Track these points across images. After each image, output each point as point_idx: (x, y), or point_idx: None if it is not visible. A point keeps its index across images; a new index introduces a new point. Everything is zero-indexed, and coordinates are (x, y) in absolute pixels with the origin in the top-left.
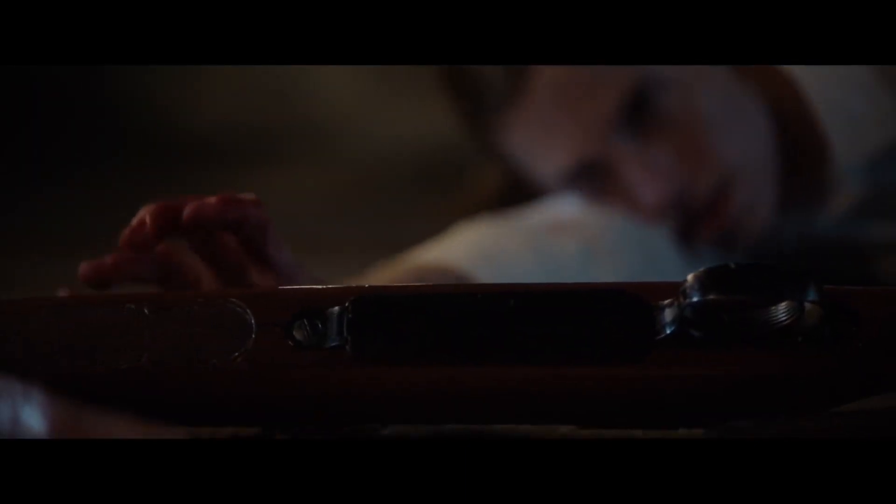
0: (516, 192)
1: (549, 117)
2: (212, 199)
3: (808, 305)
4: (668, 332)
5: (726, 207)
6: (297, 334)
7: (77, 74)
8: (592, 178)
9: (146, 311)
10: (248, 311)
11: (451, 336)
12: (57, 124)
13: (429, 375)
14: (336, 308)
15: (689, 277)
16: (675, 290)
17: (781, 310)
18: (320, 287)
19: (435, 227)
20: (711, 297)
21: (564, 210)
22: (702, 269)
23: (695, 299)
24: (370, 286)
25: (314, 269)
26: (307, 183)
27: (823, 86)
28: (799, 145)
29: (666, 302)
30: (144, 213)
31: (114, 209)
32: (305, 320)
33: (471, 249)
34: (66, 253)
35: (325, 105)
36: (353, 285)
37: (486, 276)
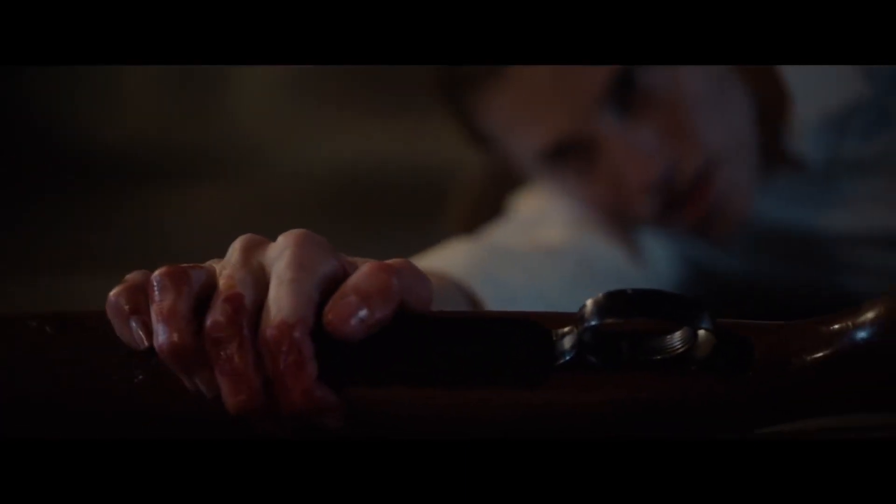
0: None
1: (534, 93)
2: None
3: (701, 334)
4: (566, 357)
5: (708, 191)
6: None
7: None
8: (575, 158)
9: (48, 328)
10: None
11: (362, 358)
12: None
13: (349, 395)
14: None
15: (588, 302)
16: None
17: (676, 338)
18: None
19: (357, 246)
20: (608, 321)
21: (551, 230)
22: (600, 294)
23: (592, 323)
24: None
25: None
26: (230, 200)
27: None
28: (766, 107)
29: (566, 329)
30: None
31: (27, 226)
32: None
33: (471, 265)
34: None
35: (249, 122)
36: None
37: (486, 292)
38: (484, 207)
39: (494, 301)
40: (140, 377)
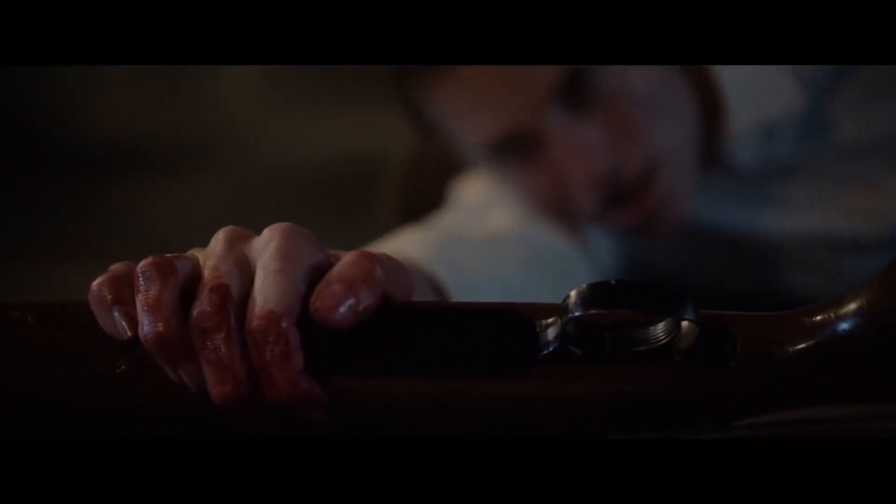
0: (420, 201)
1: (483, 85)
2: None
3: (684, 325)
4: (550, 348)
5: (651, 192)
6: None
7: None
8: (521, 151)
9: (29, 318)
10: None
11: (346, 349)
12: None
13: (332, 386)
14: None
15: (572, 293)
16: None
17: (660, 328)
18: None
19: (334, 236)
20: (591, 311)
21: (500, 217)
22: (583, 285)
23: (576, 314)
24: None
25: None
26: (210, 192)
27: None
28: (706, 116)
29: (550, 320)
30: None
31: (11, 217)
32: None
33: (428, 252)
34: None
35: (225, 115)
36: None
37: (445, 279)
38: (426, 194)
39: (453, 287)
40: (122, 367)
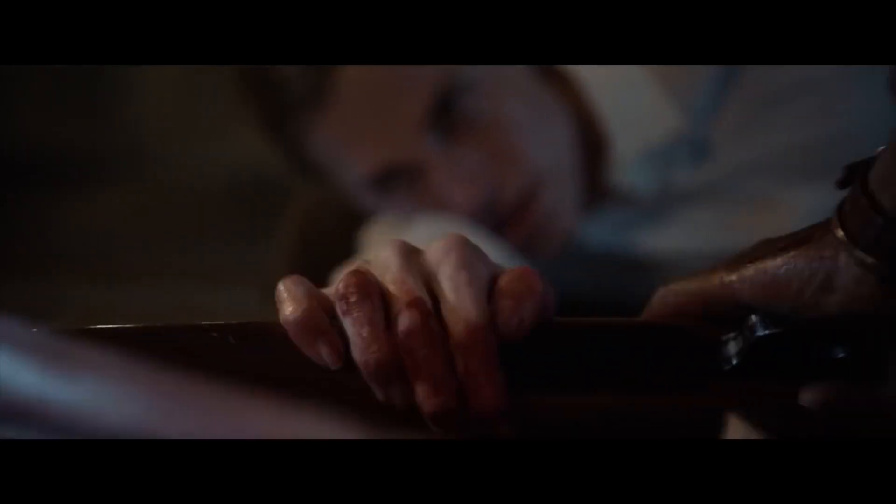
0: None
1: (356, 120)
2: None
3: (873, 345)
4: (733, 363)
5: (532, 212)
6: None
7: None
8: (402, 182)
9: (231, 339)
10: None
11: (532, 367)
12: None
13: (522, 402)
14: None
15: (758, 312)
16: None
17: (839, 347)
18: None
19: (253, 252)
20: (777, 330)
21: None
22: None
23: (763, 333)
24: None
25: (132, 296)
26: (124, 207)
27: (606, 83)
28: (588, 144)
29: (731, 335)
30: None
31: None
32: None
33: None
34: None
35: (143, 127)
36: None
37: None
38: (329, 237)
39: None
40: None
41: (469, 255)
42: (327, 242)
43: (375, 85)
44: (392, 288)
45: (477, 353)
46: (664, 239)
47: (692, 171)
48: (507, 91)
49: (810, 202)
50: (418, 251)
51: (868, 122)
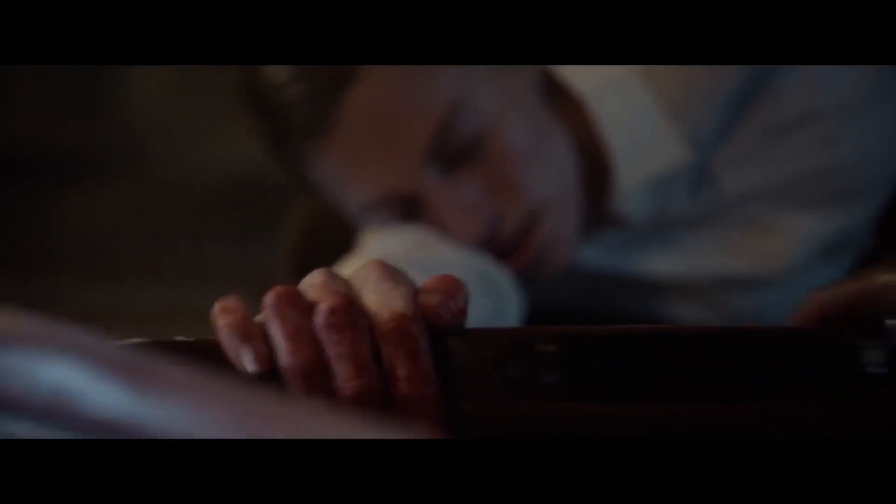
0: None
1: (358, 149)
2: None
3: None
4: (878, 370)
5: (532, 240)
6: (511, 371)
7: None
8: (403, 211)
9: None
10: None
11: (654, 375)
12: None
13: (627, 413)
14: (548, 346)
15: None
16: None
17: None
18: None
19: (252, 253)
20: None
21: (438, 245)
22: None
23: None
24: (578, 327)
25: (129, 296)
26: (122, 206)
27: (612, 109)
28: (590, 169)
29: (872, 342)
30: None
31: None
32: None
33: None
34: None
35: (142, 127)
36: (560, 327)
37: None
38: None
39: None
40: None
41: (391, 270)
42: (329, 242)
43: (379, 114)
44: (313, 293)
45: (402, 341)
46: (661, 261)
47: (692, 198)
48: (511, 120)
49: (809, 227)
50: (341, 276)
51: (869, 152)
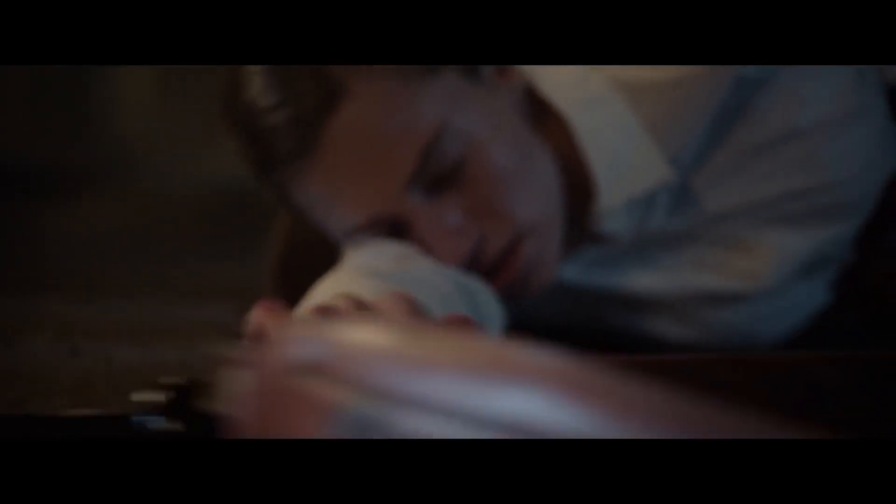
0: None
1: (342, 174)
2: None
3: None
4: None
5: (516, 261)
6: None
7: None
8: (388, 234)
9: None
10: None
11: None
12: None
13: None
14: None
15: None
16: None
17: None
18: None
19: (237, 267)
20: None
21: (417, 261)
22: None
23: None
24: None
25: (113, 310)
26: (107, 220)
27: (595, 128)
28: (572, 187)
29: None
30: None
31: None
32: None
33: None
34: None
35: (126, 141)
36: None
37: None
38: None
39: None
40: None
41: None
42: (314, 256)
43: (364, 138)
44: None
45: None
46: (641, 278)
47: (672, 216)
48: (494, 141)
49: (789, 245)
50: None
51: (849, 171)
